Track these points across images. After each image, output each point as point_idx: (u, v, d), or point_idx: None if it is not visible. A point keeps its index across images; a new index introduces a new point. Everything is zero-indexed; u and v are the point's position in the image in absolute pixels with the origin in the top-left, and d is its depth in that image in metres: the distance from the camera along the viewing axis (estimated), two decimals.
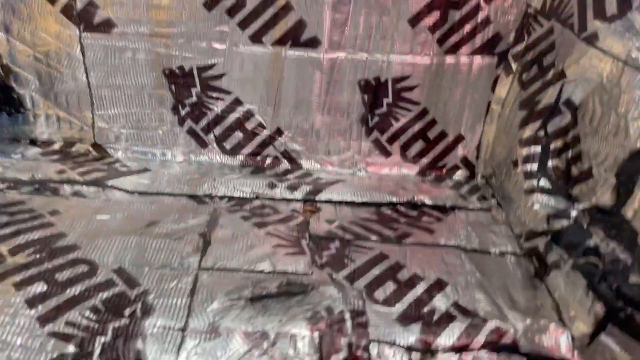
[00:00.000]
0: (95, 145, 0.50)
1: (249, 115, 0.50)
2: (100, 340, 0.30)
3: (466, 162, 0.53)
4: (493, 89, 0.50)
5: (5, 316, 0.30)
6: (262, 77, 0.48)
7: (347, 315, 0.34)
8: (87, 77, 0.47)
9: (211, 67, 0.48)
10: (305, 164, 0.51)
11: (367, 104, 0.50)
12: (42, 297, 0.32)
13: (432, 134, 0.51)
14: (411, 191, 0.48)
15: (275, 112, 0.50)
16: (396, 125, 0.51)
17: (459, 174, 0.53)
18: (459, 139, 0.52)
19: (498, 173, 0.49)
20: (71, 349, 0.29)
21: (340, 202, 0.46)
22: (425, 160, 0.52)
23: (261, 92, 0.49)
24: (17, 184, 0.43)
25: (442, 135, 0.52)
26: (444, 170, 0.53)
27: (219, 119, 0.49)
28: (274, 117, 0.50)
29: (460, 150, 0.52)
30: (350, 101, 0.50)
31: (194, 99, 0.48)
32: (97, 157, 0.49)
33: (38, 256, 0.34)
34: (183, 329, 0.31)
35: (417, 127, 0.51)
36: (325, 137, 0.51)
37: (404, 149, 0.52)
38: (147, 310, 0.31)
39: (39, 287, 0.32)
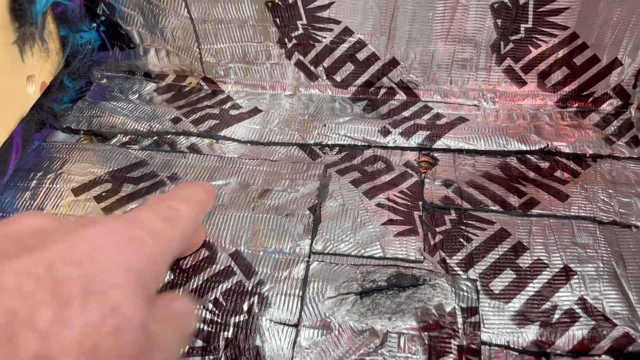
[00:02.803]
0: (206, 79, 0.48)
1: (360, 45, 0.44)
2: (224, 336, 0.32)
3: (620, 91, 0.44)
4: None
5: None
6: (374, 4, 0.42)
7: (459, 314, 0.33)
8: (188, 11, 0.44)
9: None
10: (424, 95, 0.46)
11: (501, 29, 0.42)
12: (171, 285, 0.34)
13: (579, 59, 0.43)
14: (547, 134, 0.42)
15: (390, 42, 0.44)
16: (535, 52, 0.43)
17: (609, 104, 0.45)
18: (615, 64, 0.43)
19: None
20: (199, 343, 0.32)
21: (461, 151, 0.42)
22: (567, 89, 0.44)
23: (373, 20, 0.43)
24: (137, 136, 0.44)
25: (594, 60, 0.43)
26: (590, 100, 0.45)
27: (328, 50, 0.45)
28: (388, 46, 0.44)
29: (614, 77, 0.43)
30: (480, 27, 0.42)
31: (300, 30, 0.44)
32: (209, 92, 0.48)
33: None
34: (297, 325, 0.33)
35: (561, 53, 0.42)
36: (447, 66, 0.45)
37: (543, 77, 0.44)
38: (263, 304, 0.33)
39: (166, 277, 0.35)
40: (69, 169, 0.41)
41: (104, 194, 0.39)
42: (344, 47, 0.45)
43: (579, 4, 0.40)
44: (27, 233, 0.21)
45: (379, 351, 0.32)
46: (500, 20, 0.42)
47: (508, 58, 0.44)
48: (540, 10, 0.41)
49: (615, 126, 0.43)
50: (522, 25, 0.41)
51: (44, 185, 0.40)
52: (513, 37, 0.42)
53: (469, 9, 0.41)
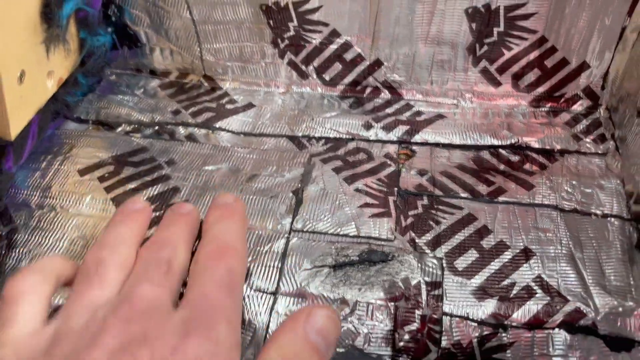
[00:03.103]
0: (206, 77, 0.52)
1: (347, 46, 0.48)
2: None
3: (589, 92, 0.47)
4: (630, 13, 0.42)
5: None
6: (359, 9, 0.45)
7: (424, 287, 0.36)
8: (190, 13, 0.48)
9: (306, 1, 0.46)
10: (407, 94, 0.49)
11: (475, 32, 0.45)
12: None
13: (550, 62, 0.46)
14: (518, 130, 0.45)
15: (374, 44, 0.47)
16: (508, 54, 0.46)
17: (580, 104, 0.48)
18: (583, 66, 0.46)
19: (622, 111, 0.44)
20: None
21: (437, 145, 0.45)
22: (540, 90, 0.48)
23: (359, 23, 0.46)
24: (140, 126, 0.48)
25: (563, 62, 0.46)
26: (562, 101, 0.48)
27: (317, 50, 0.49)
28: (372, 48, 0.48)
29: (583, 80, 0.46)
30: (457, 30, 0.45)
31: (292, 32, 0.48)
32: (208, 88, 0.52)
33: (157, 214, 0.40)
34: (274, 293, 0.36)
35: (532, 55, 0.46)
36: (428, 67, 0.48)
37: (516, 78, 0.47)
38: (246, 274, 0.36)
39: None
40: (76, 153, 0.45)
41: (106, 175, 0.43)
42: (332, 48, 0.48)
43: (546, 9, 0.43)
44: (131, 339, 0.23)
45: (349, 318, 0.35)
46: (474, 24, 0.45)
47: (483, 60, 0.47)
48: (510, 15, 0.44)
49: (584, 125, 0.46)
50: (494, 28, 0.45)
51: (52, 166, 0.43)
52: (487, 40, 0.46)
53: (445, 13, 0.45)
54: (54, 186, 0.42)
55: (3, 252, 0.38)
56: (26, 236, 0.39)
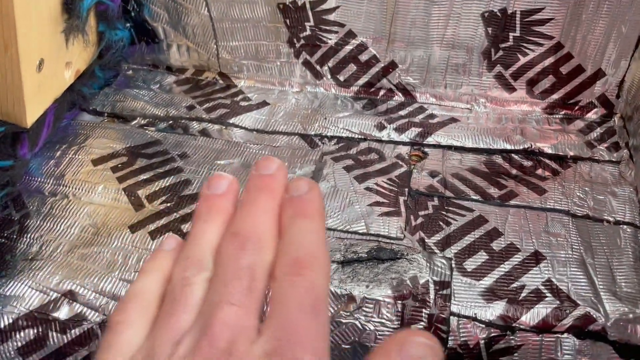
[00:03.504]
0: (221, 74, 0.53)
1: (362, 48, 0.48)
2: None
3: (604, 100, 0.47)
4: None
5: (143, 262, 0.37)
6: (375, 10, 0.46)
7: (432, 286, 0.36)
8: (208, 11, 0.49)
9: (324, 1, 0.46)
10: (420, 97, 0.50)
11: (491, 36, 0.45)
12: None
13: (565, 68, 0.46)
14: (531, 135, 0.45)
15: (389, 46, 0.48)
16: (523, 60, 0.46)
17: (594, 112, 0.47)
18: (599, 74, 0.46)
19: (636, 120, 0.43)
20: None
21: (449, 147, 0.45)
22: (555, 97, 0.47)
23: (375, 24, 0.47)
24: (154, 119, 0.48)
25: (578, 70, 0.46)
26: (576, 108, 0.48)
27: (332, 51, 0.49)
28: (388, 50, 0.48)
29: (598, 87, 0.46)
30: (472, 34, 0.46)
31: (308, 32, 0.48)
32: (223, 86, 0.52)
33: (168, 204, 0.40)
34: None
35: (547, 62, 0.46)
36: (442, 70, 0.48)
37: (531, 84, 0.47)
38: None
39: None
40: (91, 143, 0.45)
41: (119, 165, 0.43)
42: (348, 49, 0.49)
43: (563, 15, 0.43)
44: None
45: (355, 315, 0.35)
46: (490, 28, 0.45)
47: (498, 65, 0.47)
48: (526, 20, 0.44)
49: (598, 132, 0.46)
50: (510, 33, 0.45)
51: (67, 156, 0.44)
52: (503, 45, 0.46)
53: (461, 17, 0.45)
54: (67, 174, 0.43)
55: (15, 236, 0.39)
56: (38, 222, 0.39)
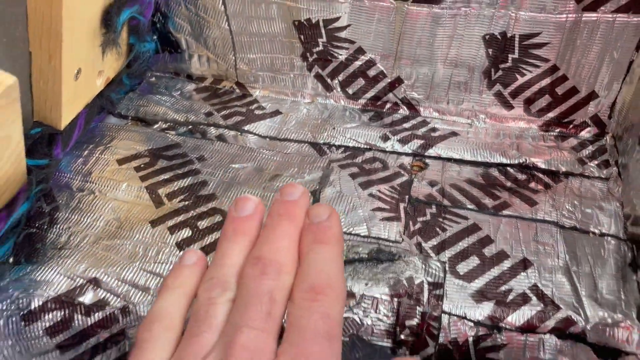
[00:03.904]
0: (238, 84, 0.56)
1: (370, 64, 0.52)
2: None
3: (596, 120, 0.50)
4: (638, 48, 0.45)
5: (162, 254, 0.40)
6: (384, 29, 0.49)
7: (426, 287, 0.39)
8: (228, 25, 0.52)
9: (336, 19, 0.50)
10: (424, 111, 0.53)
11: (492, 57, 0.48)
12: (188, 241, 0.41)
13: (561, 89, 0.49)
14: (526, 151, 0.48)
15: (396, 63, 0.51)
16: (521, 80, 0.49)
17: (587, 131, 0.50)
18: (592, 96, 0.49)
19: (626, 140, 0.46)
20: None
21: (449, 159, 0.48)
22: (550, 115, 0.50)
23: (383, 42, 0.50)
24: (174, 124, 0.52)
25: (573, 91, 0.49)
26: (570, 127, 0.50)
27: (343, 66, 0.52)
28: (394, 67, 0.51)
29: (591, 108, 0.49)
30: (474, 54, 0.49)
31: (321, 47, 0.52)
32: (240, 95, 0.56)
33: (186, 203, 0.44)
34: None
35: (544, 82, 0.49)
36: (445, 87, 0.51)
37: (528, 103, 0.50)
38: None
39: (186, 233, 0.42)
40: (116, 144, 0.49)
41: (142, 165, 0.47)
42: (357, 64, 0.52)
43: (558, 40, 0.46)
44: None
45: (354, 310, 0.38)
46: (491, 49, 0.48)
47: (498, 84, 0.50)
48: (524, 43, 0.47)
49: (590, 150, 0.49)
50: (509, 55, 0.48)
51: (94, 155, 0.48)
52: (502, 65, 0.49)
53: (464, 38, 0.48)
54: (94, 172, 0.46)
55: (45, 227, 0.42)
56: (67, 215, 0.43)
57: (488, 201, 0.45)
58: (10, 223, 0.40)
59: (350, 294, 0.39)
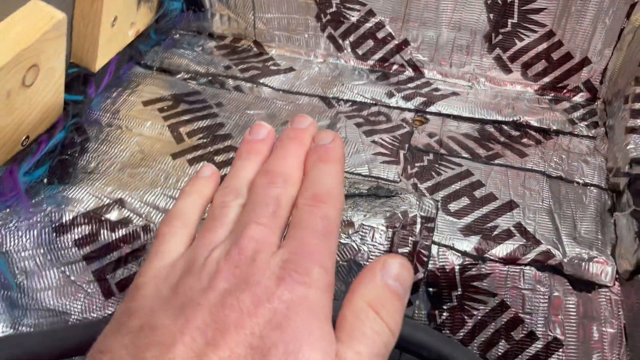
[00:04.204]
0: (256, 42, 0.60)
1: (380, 26, 0.55)
2: None
3: (589, 86, 0.53)
4: (628, 16, 0.48)
5: (181, 182, 0.44)
6: None
7: (419, 220, 0.42)
8: None
9: None
10: (428, 73, 0.56)
11: (492, 22, 0.52)
12: None
13: (556, 55, 0.52)
14: (521, 111, 0.52)
15: (404, 25, 0.55)
16: (519, 45, 0.53)
17: (580, 96, 0.54)
18: (585, 62, 0.52)
19: (615, 104, 0.49)
20: None
21: (448, 116, 0.52)
22: (546, 80, 0.54)
23: (392, 5, 0.54)
24: (196, 75, 0.56)
25: (568, 56, 0.52)
26: (564, 91, 0.54)
27: (354, 27, 0.56)
28: (402, 29, 0.55)
29: (584, 73, 0.52)
30: (476, 19, 0.52)
31: (334, 8, 0.55)
32: (257, 53, 0.60)
33: (204, 140, 0.48)
34: None
35: (540, 47, 0.52)
36: (449, 50, 0.55)
37: (526, 67, 0.54)
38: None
39: None
40: (142, 89, 0.53)
41: (165, 107, 0.51)
42: (367, 26, 0.56)
43: (555, 5, 0.50)
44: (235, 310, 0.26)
45: (352, 237, 0.42)
46: (492, 14, 0.52)
47: (497, 48, 0.53)
48: (523, 8, 0.51)
49: (581, 112, 0.52)
50: (509, 20, 0.51)
51: (122, 97, 0.52)
52: (502, 30, 0.52)
53: (467, 3, 0.52)
54: (121, 111, 0.50)
55: (77, 155, 0.47)
56: (96, 145, 0.47)
57: (481, 151, 0.48)
58: (48, 147, 0.44)
59: (350, 223, 0.42)
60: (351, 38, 0.57)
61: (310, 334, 0.26)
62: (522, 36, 0.52)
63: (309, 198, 0.32)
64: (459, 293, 0.41)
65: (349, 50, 0.57)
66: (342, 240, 0.42)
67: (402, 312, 0.30)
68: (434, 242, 0.42)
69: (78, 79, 0.48)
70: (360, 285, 0.30)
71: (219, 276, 0.27)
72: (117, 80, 0.54)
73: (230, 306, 0.26)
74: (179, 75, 0.56)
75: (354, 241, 0.42)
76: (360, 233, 0.42)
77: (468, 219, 0.43)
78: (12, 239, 0.42)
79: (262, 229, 0.30)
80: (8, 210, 0.42)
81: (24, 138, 0.42)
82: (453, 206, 0.44)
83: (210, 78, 0.56)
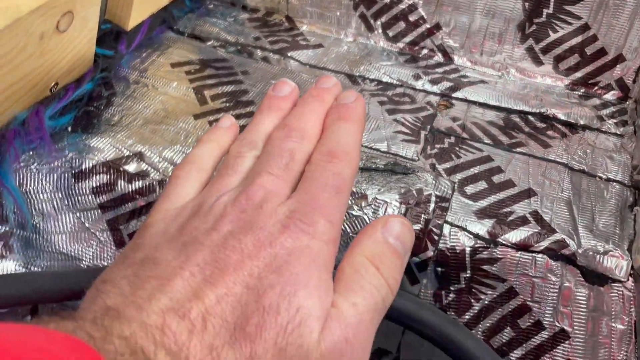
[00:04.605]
0: (287, 18, 0.60)
1: (412, 8, 0.55)
2: None
3: (621, 84, 0.52)
4: None
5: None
6: None
7: (433, 199, 0.42)
8: None
9: None
10: (457, 60, 0.56)
11: (527, 11, 0.51)
12: None
13: (590, 49, 0.51)
14: (549, 103, 0.51)
15: (437, 9, 0.54)
16: (553, 36, 0.52)
17: (612, 94, 0.52)
18: (620, 59, 0.51)
19: None
20: None
21: (474, 102, 0.51)
22: (578, 75, 0.53)
23: None
24: (225, 43, 0.56)
25: (602, 52, 0.51)
26: (595, 88, 0.53)
27: (387, 7, 0.56)
28: (435, 13, 0.54)
29: (618, 71, 0.51)
30: (511, 7, 0.52)
31: None
32: (288, 27, 0.60)
33: (227, 104, 0.48)
34: None
35: (574, 41, 0.51)
36: (481, 37, 0.54)
37: (558, 60, 0.53)
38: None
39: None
40: (171, 52, 0.54)
41: (192, 70, 0.51)
42: (400, 7, 0.55)
43: None
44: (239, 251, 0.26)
45: (365, 210, 0.42)
46: (527, 3, 0.51)
47: (530, 38, 0.53)
48: None
49: (611, 110, 0.51)
50: (544, 9, 0.50)
51: (151, 57, 0.53)
52: (536, 20, 0.51)
53: None
54: (149, 70, 0.51)
55: (102, 107, 0.47)
56: (121, 100, 0.48)
57: (504, 139, 0.47)
58: (75, 95, 0.45)
59: (363, 196, 0.42)
60: (383, 19, 0.57)
61: (308, 281, 0.26)
62: (557, 28, 0.51)
63: (324, 154, 0.32)
64: (467, 275, 0.41)
65: (380, 31, 0.57)
66: (354, 212, 0.42)
67: (401, 270, 0.30)
68: (446, 222, 0.41)
69: (110, 35, 0.49)
70: (360, 241, 0.30)
71: (225, 219, 0.27)
72: (148, 42, 0.55)
73: (231, 247, 0.26)
74: (209, 43, 0.56)
75: (365, 214, 0.42)
76: (373, 206, 0.42)
77: (484, 203, 0.42)
78: (32, 181, 0.43)
79: (273, 179, 0.30)
80: (32, 152, 0.43)
81: (53, 84, 0.43)
82: (470, 189, 0.43)
83: (239, 47, 0.56)
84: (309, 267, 0.26)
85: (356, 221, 0.42)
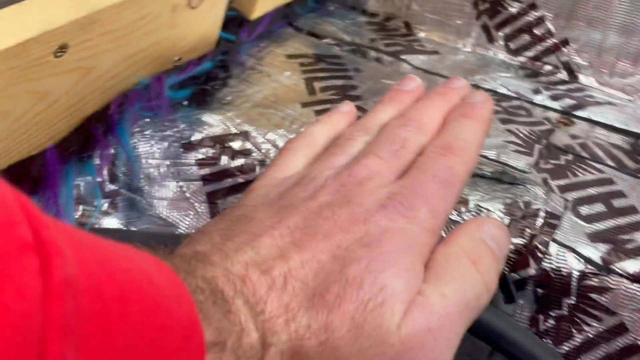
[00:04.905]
0: (406, 24, 0.60)
1: (540, 21, 0.52)
2: None
3: None
4: None
5: (304, 128, 0.45)
6: None
7: (542, 214, 0.39)
8: None
9: None
10: (583, 79, 0.52)
11: None
12: None
13: None
14: None
15: (567, 23, 0.51)
16: None
17: None
18: None
19: None
20: None
21: (598, 123, 0.47)
22: None
23: (559, 0, 0.50)
24: (341, 42, 0.57)
25: None
26: None
27: (512, 18, 0.54)
28: (565, 27, 0.51)
29: None
30: None
31: None
32: (405, 33, 0.59)
33: (335, 97, 0.48)
34: None
35: None
36: (614, 57, 0.50)
37: None
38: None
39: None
40: (289, 45, 0.55)
41: (306, 63, 0.52)
42: (527, 19, 0.53)
43: None
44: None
45: (464, 215, 0.39)
46: None
47: None
48: None
49: None
50: None
51: (268, 47, 0.54)
52: None
53: None
54: (265, 59, 0.53)
55: (217, 88, 0.49)
56: (236, 83, 0.50)
57: (630, 164, 0.43)
58: (195, 71, 0.47)
59: (464, 201, 0.40)
60: (507, 30, 0.54)
61: (398, 262, 0.24)
62: None
63: (439, 147, 0.30)
64: (571, 302, 0.37)
65: (502, 42, 0.55)
66: (452, 217, 0.40)
67: (498, 273, 0.28)
68: (554, 240, 0.38)
69: (234, 21, 0.52)
70: (454, 236, 0.28)
71: (324, 190, 0.27)
72: (268, 34, 0.57)
73: (324, 217, 0.26)
74: (325, 40, 0.57)
75: (462, 219, 0.39)
76: (473, 213, 0.39)
77: (600, 226, 0.38)
78: (145, 146, 0.45)
79: (379, 161, 0.29)
80: (148, 120, 0.45)
81: (177, 58, 0.46)
82: (585, 209, 0.39)
83: (354, 47, 0.56)
84: (401, 249, 0.25)
85: (452, 227, 0.39)
